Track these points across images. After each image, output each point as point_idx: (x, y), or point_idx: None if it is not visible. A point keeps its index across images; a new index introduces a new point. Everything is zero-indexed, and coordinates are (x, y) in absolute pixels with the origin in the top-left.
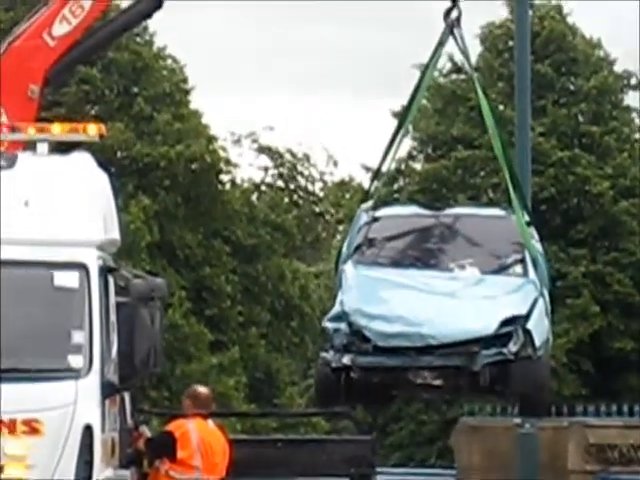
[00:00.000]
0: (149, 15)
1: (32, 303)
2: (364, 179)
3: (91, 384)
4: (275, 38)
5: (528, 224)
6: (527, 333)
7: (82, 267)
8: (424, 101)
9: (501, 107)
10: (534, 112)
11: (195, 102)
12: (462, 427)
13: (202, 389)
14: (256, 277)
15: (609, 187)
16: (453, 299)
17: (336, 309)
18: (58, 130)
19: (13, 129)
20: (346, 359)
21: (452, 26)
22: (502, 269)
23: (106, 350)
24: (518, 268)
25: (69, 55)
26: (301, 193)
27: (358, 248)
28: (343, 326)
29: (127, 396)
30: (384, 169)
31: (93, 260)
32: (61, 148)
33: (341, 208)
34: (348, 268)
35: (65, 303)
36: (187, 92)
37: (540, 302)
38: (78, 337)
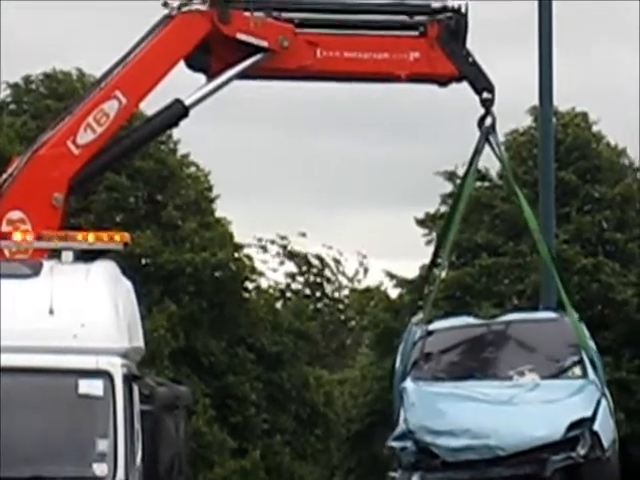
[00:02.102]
0: (175, 124)
1: (56, 410)
2: (389, 286)
3: None
4: (298, 147)
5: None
6: (594, 435)
7: (107, 375)
8: (446, 208)
9: None
10: (558, 219)
11: (220, 210)
12: None
13: None
14: (280, 384)
15: (633, 294)
16: (516, 407)
17: (400, 428)
18: (82, 238)
19: (38, 237)
20: (415, 477)
21: (487, 133)
22: (561, 372)
23: (130, 458)
24: (577, 370)
25: (94, 163)
26: (326, 301)
27: (415, 363)
28: (409, 444)
29: None
30: (431, 280)
31: (117, 368)
32: (86, 256)
33: (365, 315)
34: (408, 385)
35: (89, 411)
36: (212, 200)
37: (603, 402)
38: (102, 445)
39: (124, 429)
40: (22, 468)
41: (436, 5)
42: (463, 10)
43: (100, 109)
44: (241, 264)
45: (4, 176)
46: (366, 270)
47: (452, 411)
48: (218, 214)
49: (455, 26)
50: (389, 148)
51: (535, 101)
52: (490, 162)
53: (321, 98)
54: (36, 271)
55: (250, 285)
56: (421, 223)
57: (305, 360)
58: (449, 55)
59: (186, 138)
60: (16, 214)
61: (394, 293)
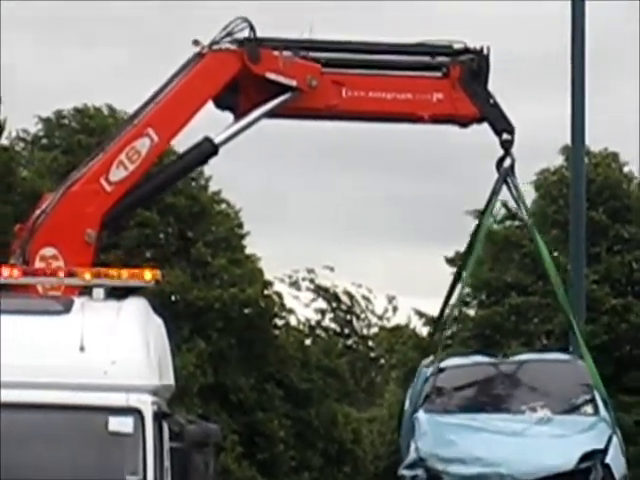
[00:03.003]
0: (205, 161)
1: (86, 448)
2: (417, 325)
3: None
4: (325, 185)
5: None
6: (606, 467)
7: (137, 412)
8: None
9: (555, 254)
10: (588, 259)
11: (251, 246)
12: None
13: None
14: (309, 421)
15: None
16: (528, 439)
17: (411, 456)
18: (114, 275)
19: (69, 273)
20: None
21: (506, 175)
22: (573, 409)
23: None
24: (589, 408)
25: (126, 200)
26: (356, 338)
27: (427, 397)
28: (420, 472)
29: None
30: (444, 319)
31: (148, 406)
32: (117, 293)
33: (394, 353)
34: (420, 415)
35: (119, 448)
36: (242, 237)
37: (615, 439)
38: None
39: (154, 467)
40: None
41: (458, 46)
42: (485, 52)
43: (132, 146)
44: (270, 301)
45: (37, 212)
46: (395, 308)
47: (463, 440)
48: (248, 251)
49: (476, 67)
50: (419, 186)
51: (567, 141)
52: None
53: (349, 136)
54: (67, 308)
55: (279, 322)
56: (451, 262)
57: (334, 397)
58: (471, 96)
59: (218, 175)
60: (49, 251)
61: (423, 331)
